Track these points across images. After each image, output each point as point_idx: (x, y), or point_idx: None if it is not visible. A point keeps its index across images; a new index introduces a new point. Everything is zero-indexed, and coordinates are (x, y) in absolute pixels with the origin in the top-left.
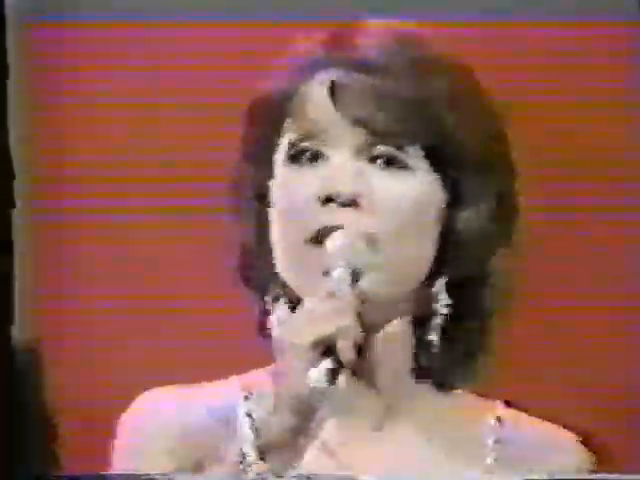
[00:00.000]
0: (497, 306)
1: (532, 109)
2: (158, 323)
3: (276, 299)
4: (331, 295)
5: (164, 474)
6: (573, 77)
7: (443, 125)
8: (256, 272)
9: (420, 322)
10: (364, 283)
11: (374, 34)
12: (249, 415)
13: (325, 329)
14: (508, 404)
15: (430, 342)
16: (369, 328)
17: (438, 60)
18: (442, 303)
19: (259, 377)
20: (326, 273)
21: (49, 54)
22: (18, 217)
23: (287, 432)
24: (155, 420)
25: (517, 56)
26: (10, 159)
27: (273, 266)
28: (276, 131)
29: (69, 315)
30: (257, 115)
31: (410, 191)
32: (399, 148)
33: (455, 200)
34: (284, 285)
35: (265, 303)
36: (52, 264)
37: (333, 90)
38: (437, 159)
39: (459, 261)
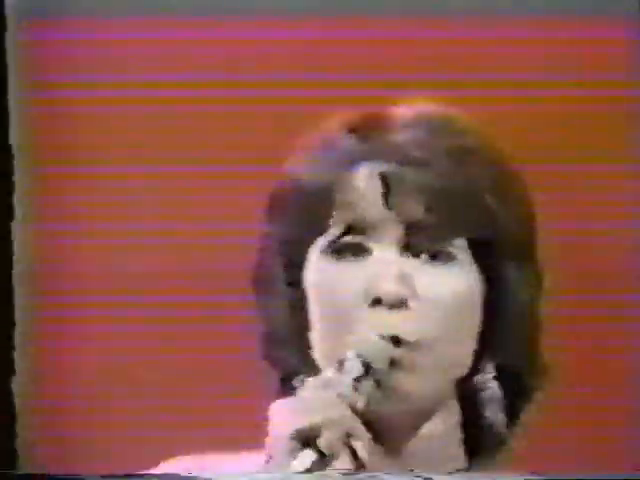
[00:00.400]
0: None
1: (530, 112)
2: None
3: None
4: (328, 386)
5: (167, 475)
6: (573, 78)
7: (492, 217)
8: (283, 357)
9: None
10: (401, 383)
11: (406, 122)
12: None
13: (309, 419)
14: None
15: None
16: (405, 426)
17: (477, 148)
18: (491, 389)
19: None
20: (340, 363)
21: (49, 54)
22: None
23: None
24: None
25: (516, 56)
26: (10, 159)
27: (303, 354)
28: (319, 222)
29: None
30: (295, 203)
31: (455, 285)
32: (448, 243)
33: (496, 288)
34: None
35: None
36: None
37: (384, 185)
38: (481, 249)
39: (504, 349)
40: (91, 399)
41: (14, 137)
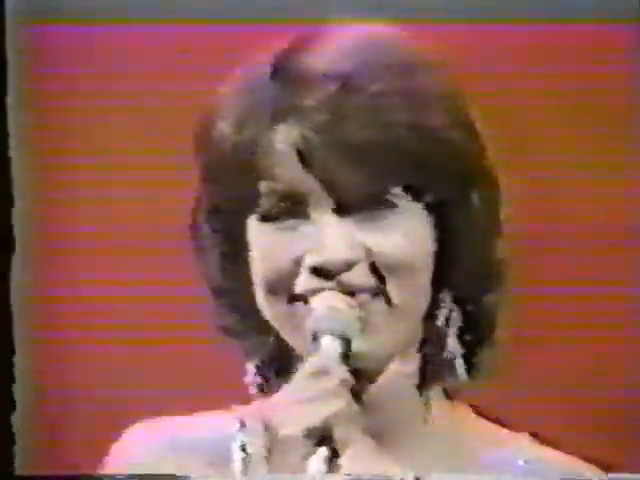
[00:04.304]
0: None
1: (530, 109)
2: (146, 359)
3: (262, 362)
4: (321, 372)
5: (165, 475)
6: (573, 78)
7: (420, 159)
8: (229, 323)
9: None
10: (371, 342)
11: (323, 73)
12: (243, 448)
13: (318, 416)
14: (533, 436)
15: (452, 360)
16: (371, 378)
17: (397, 89)
18: (454, 318)
19: (256, 408)
20: (314, 339)
21: (49, 54)
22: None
23: None
24: (146, 450)
25: (516, 56)
26: (9, 159)
27: (245, 318)
28: (247, 189)
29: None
30: (219, 165)
31: (405, 235)
32: (383, 194)
33: (443, 222)
34: (265, 340)
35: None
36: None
37: (300, 151)
38: (419, 191)
39: (460, 275)
40: (91, 399)
41: (14, 136)
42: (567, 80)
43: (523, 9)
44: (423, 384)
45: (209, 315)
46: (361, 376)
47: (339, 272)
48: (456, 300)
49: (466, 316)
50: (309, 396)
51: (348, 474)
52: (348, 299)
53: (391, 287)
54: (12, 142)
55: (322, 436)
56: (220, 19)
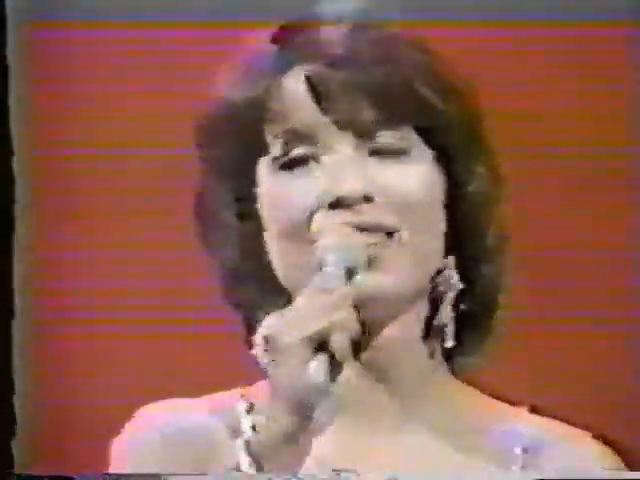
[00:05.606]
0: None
1: (531, 109)
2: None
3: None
4: (324, 291)
5: (163, 474)
6: (573, 78)
7: (428, 101)
8: (242, 294)
9: (433, 306)
10: (382, 281)
11: (327, 22)
12: (254, 428)
13: (317, 324)
14: (533, 409)
15: (444, 326)
16: (383, 323)
17: (404, 40)
18: (454, 282)
19: (261, 389)
20: (320, 270)
21: (49, 54)
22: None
23: (285, 434)
24: (153, 431)
25: (516, 57)
26: (11, 159)
27: (261, 285)
28: (255, 141)
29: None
30: (226, 127)
31: (417, 177)
32: (395, 135)
33: (453, 176)
34: (272, 305)
35: (254, 320)
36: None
37: (312, 90)
38: (430, 138)
39: (466, 238)
40: (91, 399)
41: (15, 136)
42: (567, 80)
43: (523, 9)
44: (427, 337)
45: (217, 292)
46: (371, 323)
47: (356, 204)
48: (458, 266)
49: (466, 284)
50: (309, 309)
51: (339, 469)
52: (359, 235)
53: (406, 227)
54: (14, 143)
55: (319, 344)
56: (221, 20)
